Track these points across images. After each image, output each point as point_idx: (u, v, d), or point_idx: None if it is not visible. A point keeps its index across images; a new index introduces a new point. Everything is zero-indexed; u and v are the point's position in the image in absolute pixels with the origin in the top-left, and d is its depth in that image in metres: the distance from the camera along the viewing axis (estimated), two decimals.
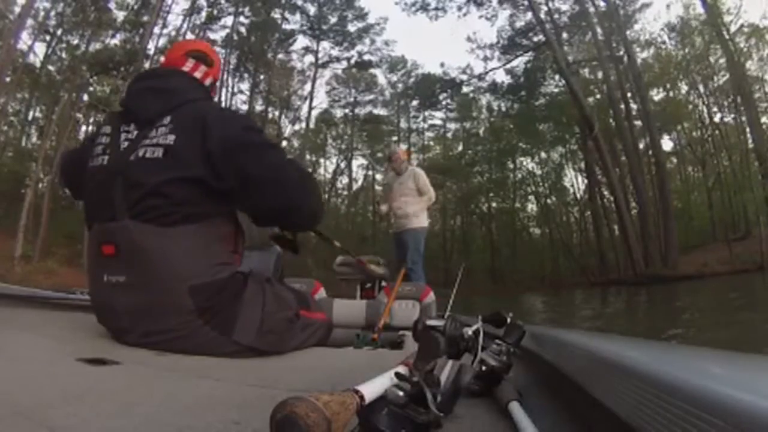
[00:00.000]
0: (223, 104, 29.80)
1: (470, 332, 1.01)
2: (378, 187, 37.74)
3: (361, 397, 0.61)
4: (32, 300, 2.35)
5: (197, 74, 1.81)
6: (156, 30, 26.84)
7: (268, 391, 1.12)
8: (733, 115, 28.36)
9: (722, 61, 26.54)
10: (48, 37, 24.98)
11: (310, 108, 35.11)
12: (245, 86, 33.30)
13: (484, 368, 1.09)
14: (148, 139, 1.58)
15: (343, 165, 37.75)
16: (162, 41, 27.18)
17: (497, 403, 1.00)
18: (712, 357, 0.76)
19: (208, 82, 1.85)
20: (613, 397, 0.69)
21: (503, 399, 0.98)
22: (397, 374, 0.75)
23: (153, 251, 1.52)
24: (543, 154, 35.23)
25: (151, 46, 26.14)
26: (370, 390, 0.64)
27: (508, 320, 1.26)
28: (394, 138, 37.03)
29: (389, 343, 2.96)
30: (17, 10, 20.47)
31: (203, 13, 29.82)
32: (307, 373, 1.55)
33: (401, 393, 0.72)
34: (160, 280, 1.51)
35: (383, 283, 4.03)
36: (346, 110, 37.63)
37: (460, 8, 31.70)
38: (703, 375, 0.53)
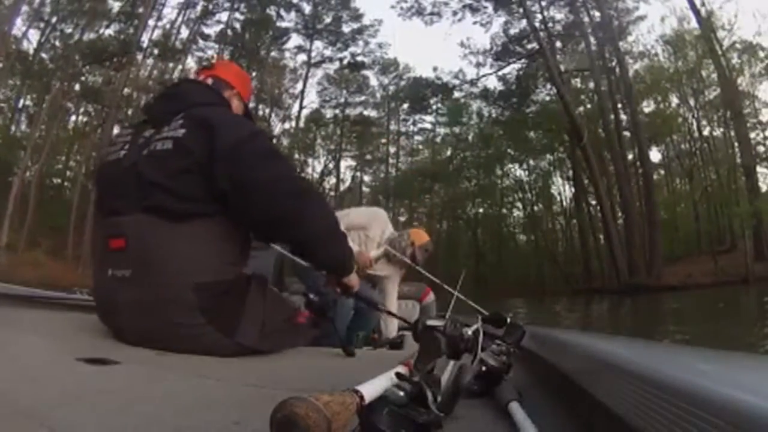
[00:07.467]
0: None
1: (470, 332, 1.00)
2: (365, 189, 37.62)
3: (361, 397, 0.60)
4: (32, 300, 2.35)
5: (209, 81, 1.90)
6: (150, 22, 26.72)
7: (268, 391, 1.13)
8: (722, 130, 28.55)
9: (714, 75, 26.69)
10: (42, 25, 24.74)
11: (301, 107, 35.06)
12: None
13: (484, 368, 1.11)
14: (160, 134, 1.62)
15: (331, 165, 37.41)
16: (156, 33, 27.06)
17: (497, 403, 1.02)
18: (711, 357, 0.79)
19: (227, 94, 1.92)
20: (613, 397, 0.70)
21: (503, 399, 0.99)
22: (398, 374, 0.75)
23: (161, 245, 1.53)
24: (531, 162, 35.28)
25: (145, 38, 25.97)
26: (371, 390, 0.64)
27: (508, 320, 1.28)
28: (383, 140, 36.91)
29: (389, 343, 2.98)
30: None
31: (198, 7, 29.70)
32: (307, 373, 1.58)
33: (402, 393, 0.72)
34: (166, 274, 1.52)
35: None
36: (337, 111, 37.31)
37: (455, 13, 31.57)
38: (703, 375, 0.54)
